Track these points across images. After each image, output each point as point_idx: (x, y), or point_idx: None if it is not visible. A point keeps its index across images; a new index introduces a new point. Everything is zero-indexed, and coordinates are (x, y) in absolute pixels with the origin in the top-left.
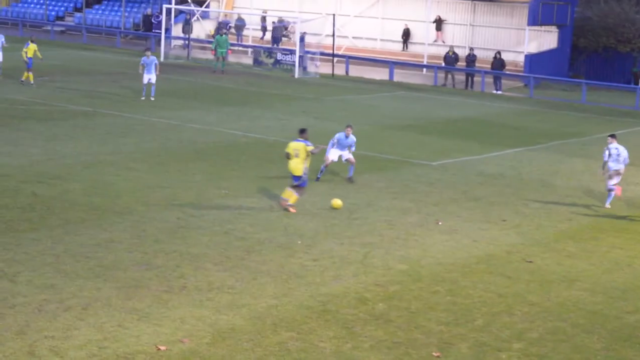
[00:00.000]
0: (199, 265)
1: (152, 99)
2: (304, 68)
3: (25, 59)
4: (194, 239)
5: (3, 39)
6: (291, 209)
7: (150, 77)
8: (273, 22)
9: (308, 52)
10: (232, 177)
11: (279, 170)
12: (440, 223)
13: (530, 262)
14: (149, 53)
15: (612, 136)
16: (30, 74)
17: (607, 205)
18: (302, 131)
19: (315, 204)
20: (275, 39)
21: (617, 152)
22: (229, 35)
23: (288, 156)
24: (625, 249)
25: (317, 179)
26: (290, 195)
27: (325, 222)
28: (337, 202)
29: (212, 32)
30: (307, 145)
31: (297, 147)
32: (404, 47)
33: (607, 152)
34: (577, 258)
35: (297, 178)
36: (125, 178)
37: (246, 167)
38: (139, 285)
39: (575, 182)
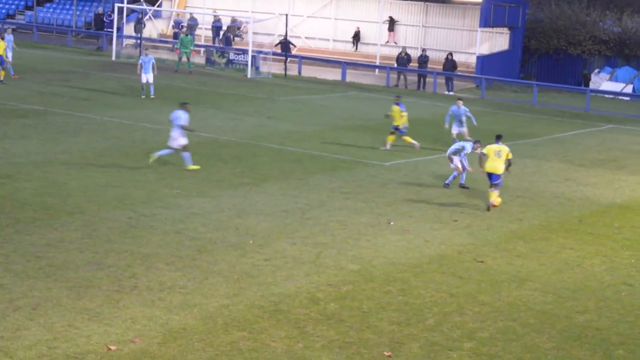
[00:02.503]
0: (150, 265)
1: (152, 97)
2: (256, 68)
3: None
4: (145, 239)
5: (12, 39)
6: (496, 204)
7: (147, 76)
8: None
9: (260, 52)
10: (184, 177)
11: (231, 170)
12: (392, 223)
13: (481, 262)
14: (147, 52)
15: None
16: (2, 72)
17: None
18: (499, 137)
19: (268, 203)
20: (227, 39)
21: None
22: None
23: (485, 157)
24: (575, 249)
25: (446, 185)
26: (496, 196)
27: (278, 222)
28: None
29: (165, 31)
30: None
31: (499, 148)
32: (354, 48)
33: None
34: (527, 258)
35: (497, 177)
36: (77, 177)
37: (198, 166)
38: (89, 285)
39: (526, 182)
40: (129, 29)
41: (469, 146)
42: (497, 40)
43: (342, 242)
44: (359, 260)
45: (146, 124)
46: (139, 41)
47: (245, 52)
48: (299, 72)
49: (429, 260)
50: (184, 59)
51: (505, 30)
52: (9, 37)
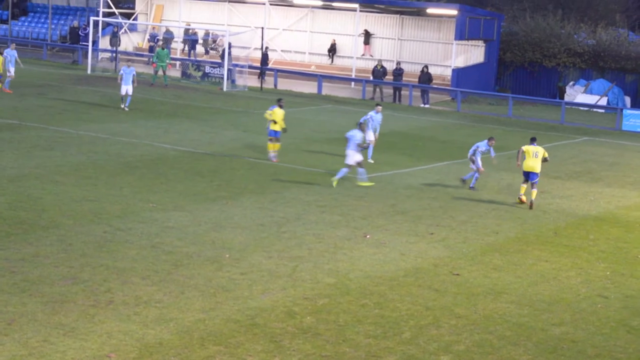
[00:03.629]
0: (126, 280)
1: (126, 109)
2: (232, 81)
3: None
4: (121, 253)
5: (16, 54)
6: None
7: (127, 88)
8: (190, 33)
9: (236, 65)
10: (160, 191)
11: (207, 184)
12: (368, 236)
13: (457, 275)
14: (129, 63)
15: None
16: None
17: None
18: (534, 139)
19: (244, 217)
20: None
21: None
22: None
23: (523, 156)
24: (551, 261)
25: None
26: (535, 194)
27: (254, 235)
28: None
29: (141, 45)
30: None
31: (536, 149)
32: (330, 61)
33: None
34: (503, 271)
35: (535, 175)
36: (52, 192)
37: (174, 181)
38: (65, 300)
39: (502, 196)
40: (104, 42)
41: (482, 145)
42: (473, 53)
43: (318, 255)
44: (335, 274)
45: (122, 137)
46: (114, 55)
47: (221, 65)
48: (275, 85)
49: (405, 273)
50: (160, 72)
51: (481, 43)
52: (12, 52)
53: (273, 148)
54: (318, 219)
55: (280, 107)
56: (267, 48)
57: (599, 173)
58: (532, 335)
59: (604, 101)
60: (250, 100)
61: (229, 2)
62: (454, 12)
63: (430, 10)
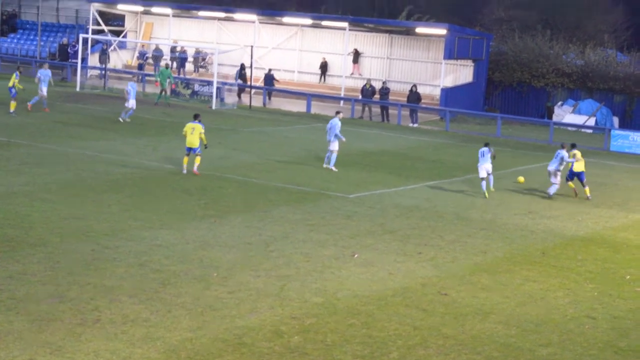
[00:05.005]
0: (113, 298)
1: (128, 120)
2: (221, 99)
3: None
4: (108, 271)
5: (50, 75)
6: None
7: (133, 102)
8: (180, 51)
9: (225, 84)
10: (148, 209)
11: (195, 202)
12: (356, 255)
13: (445, 294)
14: (134, 78)
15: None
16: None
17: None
18: (574, 146)
19: (232, 235)
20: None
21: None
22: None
23: (575, 156)
24: (539, 281)
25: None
26: (589, 190)
27: (242, 254)
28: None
29: (130, 62)
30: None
31: (576, 152)
32: (321, 80)
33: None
34: (491, 291)
35: (583, 174)
36: (39, 209)
37: (162, 199)
38: (51, 318)
39: (490, 215)
40: (93, 59)
41: (564, 154)
42: (461, 73)
43: (306, 274)
44: (323, 293)
45: (110, 155)
46: (103, 72)
47: (210, 83)
48: (264, 104)
49: (393, 292)
50: (161, 90)
51: (470, 63)
52: (46, 72)
53: (195, 161)
54: (306, 237)
55: (199, 122)
56: (244, 66)
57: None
58: (520, 356)
59: (592, 121)
60: (239, 119)
61: (218, 20)
62: (443, 31)
63: (419, 30)
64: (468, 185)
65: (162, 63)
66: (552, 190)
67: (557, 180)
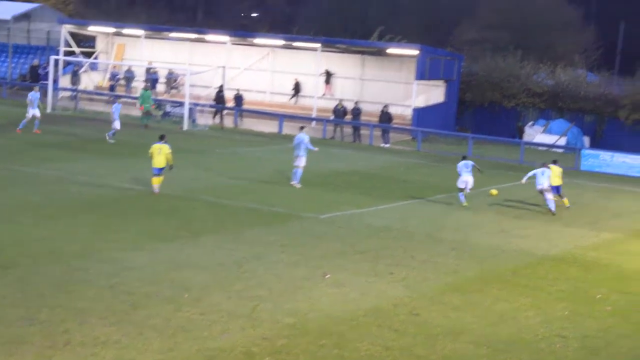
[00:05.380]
0: (84, 320)
1: (111, 141)
2: (193, 120)
3: None
4: (79, 293)
5: (38, 96)
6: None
7: (119, 122)
8: (151, 72)
9: (197, 105)
10: (119, 230)
11: (166, 223)
12: (327, 276)
13: (417, 314)
14: (119, 100)
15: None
16: None
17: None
18: (555, 162)
19: (204, 257)
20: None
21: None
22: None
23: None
24: (510, 301)
25: None
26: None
27: (214, 275)
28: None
29: (101, 83)
30: None
31: (554, 168)
32: (293, 100)
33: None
34: (462, 311)
35: (560, 188)
36: (10, 231)
37: (134, 220)
38: (22, 341)
39: (462, 235)
40: (64, 81)
41: (547, 170)
42: (433, 93)
43: (278, 295)
44: (294, 314)
45: (82, 176)
46: (75, 94)
47: (181, 104)
48: (236, 125)
49: (364, 313)
50: (145, 112)
51: (441, 83)
52: (36, 94)
53: (157, 182)
54: (278, 258)
55: (165, 143)
56: (223, 88)
57: (558, 213)
58: None
59: (563, 141)
60: (211, 140)
61: (190, 41)
62: (415, 52)
63: (391, 50)
64: (440, 205)
65: (141, 85)
66: (553, 205)
67: (552, 195)
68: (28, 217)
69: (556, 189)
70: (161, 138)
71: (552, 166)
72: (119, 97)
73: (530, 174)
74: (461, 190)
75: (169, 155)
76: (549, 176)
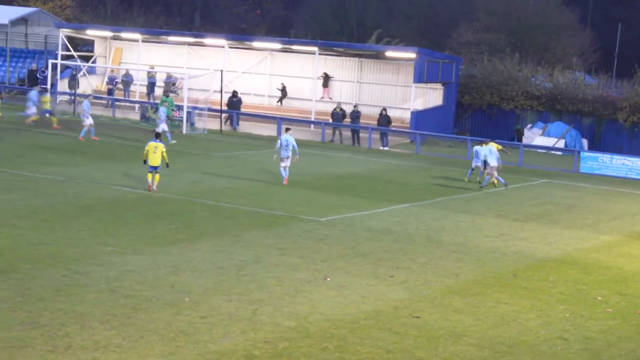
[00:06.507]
0: (84, 324)
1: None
2: (191, 124)
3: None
4: (79, 297)
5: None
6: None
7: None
8: (149, 76)
9: (196, 108)
10: (118, 234)
11: (166, 227)
12: (328, 279)
13: (418, 317)
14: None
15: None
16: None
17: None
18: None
19: (204, 260)
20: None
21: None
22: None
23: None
24: (510, 303)
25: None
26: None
27: (214, 278)
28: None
29: (99, 87)
30: None
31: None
32: (279, 103)
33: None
34: (463, 313)
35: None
36: (8, 235)
37: (133, 224)
38: (22, 345)
39: (461, 237)
40: (62, 85)
41: (492, 148)
42: (431, 96)
43: (279, 298)
44: (295, 317)
45: (80, 180)
46: (73, 97)
47: (180, 108)
48: (234, 128)
49: (365, 316)
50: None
51: (439, 86)
52: (36, 94)
53: (154, 179)
54: (278, 261)
55: (160, 141)
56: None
57: (558, 215)
58: None
59: (561, 144)
60: (210, 143)
61: (188, 45)
62: (413, 55)
63: (389, 54)
64: (439, 208)
65: (141, 89)
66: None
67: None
68: (27, 221)
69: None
70: (157, 136)
71: (492, 143)
72: (87, 95)
73: (482, 156)
74: (475, 168)
75: (164, 153)
76: (496, 154)
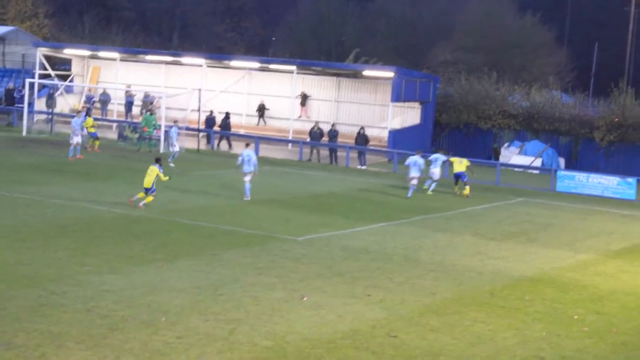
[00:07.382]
0: (60, 344)
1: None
2: (169, 143)
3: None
4: (55, 317)
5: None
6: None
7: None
8: (127, 95)
9: (172, 127)
10: (95, 253)
11: (143, 246)
12: (305, 298)
13: (395, 336)
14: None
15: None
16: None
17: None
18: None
19: (181, 279)
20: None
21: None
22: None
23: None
24: (487, 322)
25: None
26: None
27: (191, 298)
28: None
29: (77, 106)
30: None
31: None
32: (258, 122)
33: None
34: (440, 332)
35: (463, 174)
36: None
37: (110, 243)
38: None
39: (439, 256)
40: (40, 104)
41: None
42: (409, 115)
43: (256, 318)
44: (272, 337)
45: (57, 200)
46: (50, 117)
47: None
48: (212, 147)
49: (342, 335)
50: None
51: (417, 105)
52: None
53: (146, 200)
54: (255, 281)
55: (158, 166)
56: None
57: (535, 234)
58: None
59: (538, 162)
60: (188, 162)
61: (166, 63)
62: (391, 74)
63: (366, 73)
64: (416, 227)
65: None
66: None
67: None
68: (3, 240)
69: (462, 176)
70: (157, 161)
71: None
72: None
73: (435, 162)
74: (414, 178)
75: (158, 177)
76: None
